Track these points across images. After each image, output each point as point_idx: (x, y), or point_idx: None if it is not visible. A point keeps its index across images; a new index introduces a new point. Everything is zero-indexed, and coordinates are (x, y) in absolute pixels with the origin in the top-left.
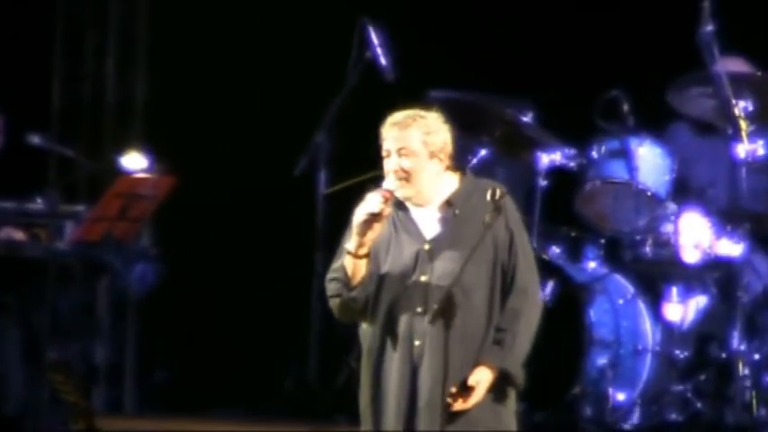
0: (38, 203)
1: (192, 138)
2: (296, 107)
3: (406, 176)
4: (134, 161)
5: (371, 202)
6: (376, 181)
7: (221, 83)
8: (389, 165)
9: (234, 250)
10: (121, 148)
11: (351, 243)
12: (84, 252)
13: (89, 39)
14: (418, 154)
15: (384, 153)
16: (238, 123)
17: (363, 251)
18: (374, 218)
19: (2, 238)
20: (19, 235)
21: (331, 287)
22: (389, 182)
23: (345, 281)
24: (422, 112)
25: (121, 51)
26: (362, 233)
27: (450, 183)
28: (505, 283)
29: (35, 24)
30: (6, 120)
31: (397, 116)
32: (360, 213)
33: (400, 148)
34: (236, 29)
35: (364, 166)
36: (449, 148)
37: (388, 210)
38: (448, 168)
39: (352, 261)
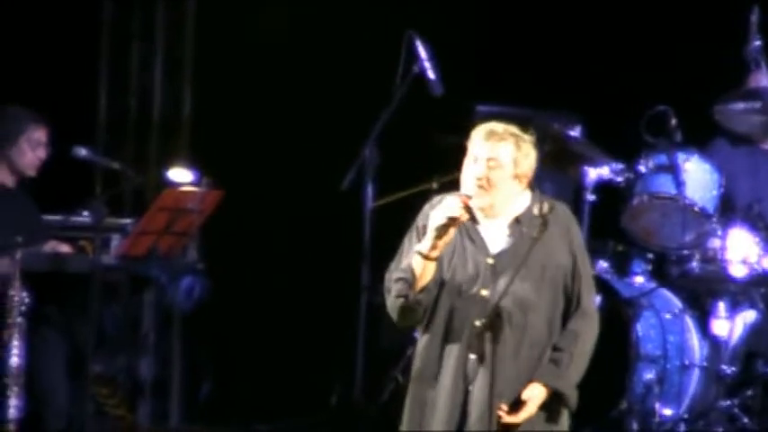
0: (83, 217)
1: (239, 151)
2: (343, 120)
3: (486, 186)
4: (180, 175)
5: (451, 206)
6: (423, 195)
7: (268, 96)
8: (473, 171)
9: (280, 264)
10: (167, 161)
11: (423, 244)
12: (130, 266)
13: (135, 52)
14: (505, 169)
15: (471, 158)
16: (285, 137)
17: (435, 254)
18: (452, 222)
19: (48, 251)
20: (65, 248)
21: (397, 287)
22: (469, 188)
23: (412, 282)
24: (520, 131)
25: (168, 64)
26: (439, 236)
27: (522, 201)
28: (568, 306)
29: (82, 36)
30: (53, 132)
31: (497, 127)
32: (439, 216)
33: (490, 158)
34: (283, 42)
35: (412, 179)
36: (531, 172)
37: (466, 216)
38: (524, 189)
39: (421, 263)
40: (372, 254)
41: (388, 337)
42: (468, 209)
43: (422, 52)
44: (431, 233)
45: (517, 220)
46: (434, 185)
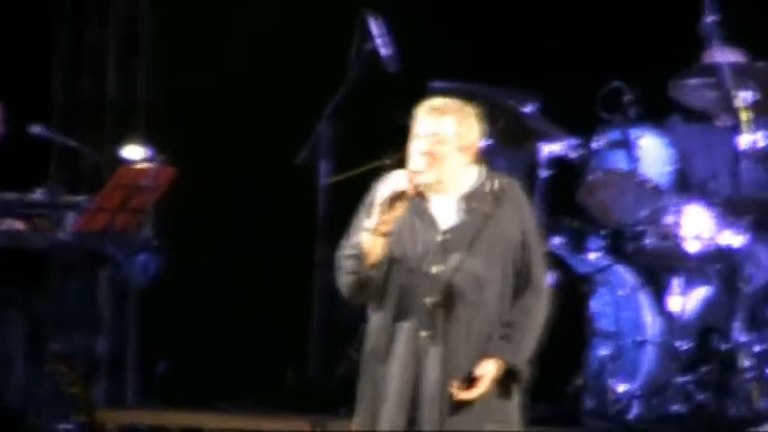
0: (39, 194)
1: (194, 128)
2: (298, 97)
3: (432, 161)
4: (135, 152)
5: (398, 181)
6: (379, 171)
7: (223, 73)
8: (418, 147)
9: (235, 241)
10: (123, 139)
11: (372, 220)
12: (86, 243)
13: (91, 30)
14: (449, 143)
15: (414, 134)
16: (240, 114)
17: (384, 229)
18: (399, 196)
19: (3, 229)
20: (20, 226)
21: (348, 264)
22: (416, 163)
23: (362, 258)
24: (462, 105)
25: (123, 42)
26: (386, 211)
27: (470, 176)
28: (518, 280)
29: (37, 15)
30: (8, 109)
31: (437, 102)
32: (386, 190)
33: (433, 134)
34: (239, 20)
35: (366, 156)
36: (477, 145)
37: (413, 190)
38: (471, 163)
39: (371, 239)
40: (327, 230)
41: (343, 314)
42: (416, 185)
43: (375, 30)
44: (378, 208)
45: (467, 196)
46: (388, 162)
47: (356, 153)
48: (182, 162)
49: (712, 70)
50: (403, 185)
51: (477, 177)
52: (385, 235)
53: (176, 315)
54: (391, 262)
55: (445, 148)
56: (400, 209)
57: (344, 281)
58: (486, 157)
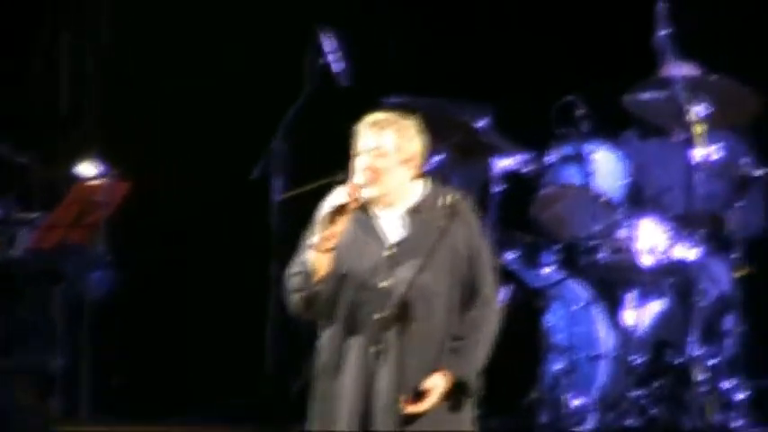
0: None
1: (149, 144)
2: (252, 113)
3: (374, 176)
4: (88, 168)
5: (338, 195)
6: (332, 187)
7: (177, 89)
8: (360, 162)
9: (190, 256)
10: (76, 155)
11: (316, 236)
12: (40, 259)
13: (43, 44)
14: (391, 156)
15: (356, 150)
16: (194, 129)
17: (328, 245)
18: (341, 210)
19: None
20: None
21: (294, 281)
22: (358, 177)
23: (309, 275)
24: (400, 118)
25: (76, 56)
26: (328, 225)
27: (415, 190)
28: (466, 293)
29: None
30: None
31: (376, 116)
32: (327, 205)
33: (374, 148)
34: (193, 34)
35: (320, 171)
36: (421, 157)
37: (355, 204)
38: (415, 176)
39: (316, 255)
40: (281, 245)
41: (298, 329)
42: (358, 198)
43: (327, 45)
44: (321, 224)
45: (414, 210)
46: (341, 177)
47: (310, 169)
48: (136, 177)
49: (666, 84)
50: (343, 199)
51: (423, 191)
52: (329, 251)
53: (131, 330)
54: (340, 277)
55: (387, 161)
56: (342, 223)
57: (292, 298)
58: (440, 172)
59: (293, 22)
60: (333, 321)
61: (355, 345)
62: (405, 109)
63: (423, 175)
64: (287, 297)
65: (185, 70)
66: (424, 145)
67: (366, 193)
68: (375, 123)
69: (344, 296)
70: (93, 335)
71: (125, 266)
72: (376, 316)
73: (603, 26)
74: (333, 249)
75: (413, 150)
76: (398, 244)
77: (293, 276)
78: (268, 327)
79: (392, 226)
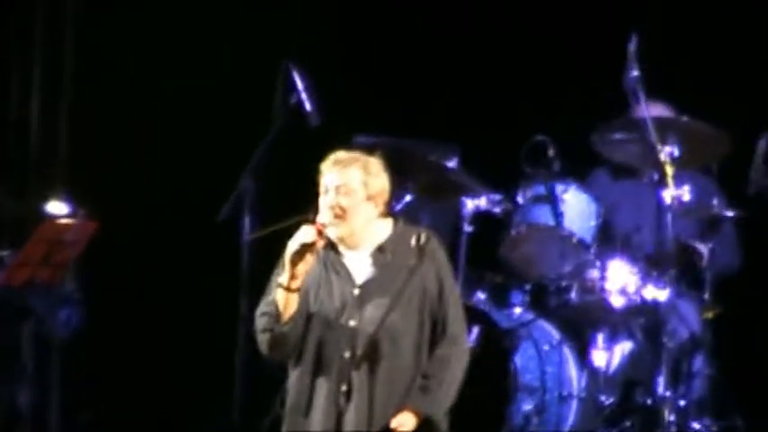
0: None
1: (117, 183)
2: (220, 152)
3: (341, 214)
4: (57, 207)
5: (304, 233)
6: (301, 226)
7: (146, 129)
8: (326, 201)
9: (159, 296)
10: (45, 193)
11: (283, 276)
12: (8, 297)
13: (14, 84)
14: (356, 194)
15: (322, 189)
16: (163, 168)
17: (295, 284)
18: (306, 249)
19: None
20: None
21: (262, 322)
22: (324, 216)
23: (276, 315)
24: (364, 156)
25: (45, 98)
26: (294, 264)
27: (382, 228)
28: (434, 331)
29: None
30: None
31: (340, 155)
32: (292, 244)
33: (339, 186)
34: (160, 74)
35: (290, 211)
36: (386, 194)
37: (322, 242)
38: (382, 214)
39: (283, 295)
40: (250, 285)
41: (267, 368)
42: (323, 236)
43: (299, 83)
44: (287, 263)
45: (380, 249)
46: (311, 217)
47: (280, 208)
48: (104, 216)
49: (636, 125)
50: (309, 238)
51: (391, 229)
52: (296, 290)
53: (99, 367)
54: (308, 317)
55: (352, 199)
56: (308, 263)
57: (260, 338)
58: (409, 212)
59: (263, 57)
60: (301, 360)
61: (324, 383)
62: (374, 148)
63: (390, 213)
64: (256, 337)
65: (153, 109)
66: (389, 182)
67: (332, 232)
68: (339, 161)
69: (313, 335)
70: (62, 371)
71: (93, 304)
72: (344, 355)
73: (573, 66)
74: (299, 289)
75: (378, 187)
76: (366, 283)
77: (261, 317)
78: (237, 365)
79: (360, 265)
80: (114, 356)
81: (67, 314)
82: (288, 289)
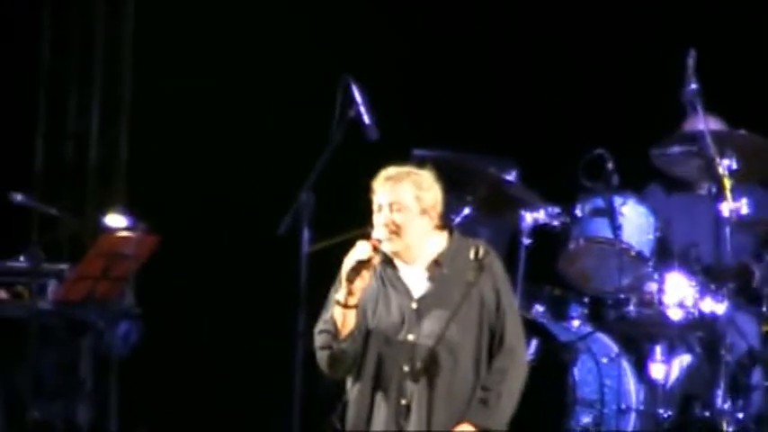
0: (20, 262)
1: (176, 197)
2: (280, 165)
3: (396, 230)
4: (116, 220)
5: (360, 250)
6: (360, 239)
7: (205, 142)
8: (380, 218)
9: (217, 310)
10: (104, 207)
11: (340, 293)
12: (67, 311)
13: (73, 97)
14: (410, 209)
15: (375, 207)
16: (221, 182)
17: (353, 301)
18: (363, 265)
19: None
20: (1, 294)
21: (320, 339)
22: (379, 232)
23: (335, 332)
24: (415, 170)
25: (105, 110)
26: (351, 281)
27: (438, 241)
28: (493, 343)
29: (20, 81)
30: None
31: (391, 171)
32: (348, 261)
33: (392, 203)
34: (219, 87)
35: (348, 224)
36: (439, 206)
37: (377, 258)
38: (437, 227)
39: (341, 311)
40: (309, 300)
41: (325, 384)
42: (380, 252)
43: (358, 96)
44: (343, 279)
45: (436, 262)
46: (369, 230)
47: (338, 222)
48: (164, 230)
49: (694, 138)
50: (365, 255)
51: (448, 242)
52: (354, 306)
53: (158, 385)
54: (367, 332)
55: (406, 215)
56: (365, 279)
57: (320, 356)
58: (468, 226)
59: (322, 71)
60: (361, 376)
61: (384, 398)
62: (432, 163)
63: (446, 225)
64: (316, 354)
65: (214, 122)
66: (441, 194)
67: (388, 247)
68: (390, 178)
69: (372, 350)
70: (120, 388)
71: (152, 319)
72: (404, 369)
73: (631, 79)
74: (357, 305)
75: (431, 200)
76: (424, 297)
77: (319, 334)
78: (295, 381)
79: (417, 279)
80: (172, 373)
81: (126, 329)
82: (345, 306)
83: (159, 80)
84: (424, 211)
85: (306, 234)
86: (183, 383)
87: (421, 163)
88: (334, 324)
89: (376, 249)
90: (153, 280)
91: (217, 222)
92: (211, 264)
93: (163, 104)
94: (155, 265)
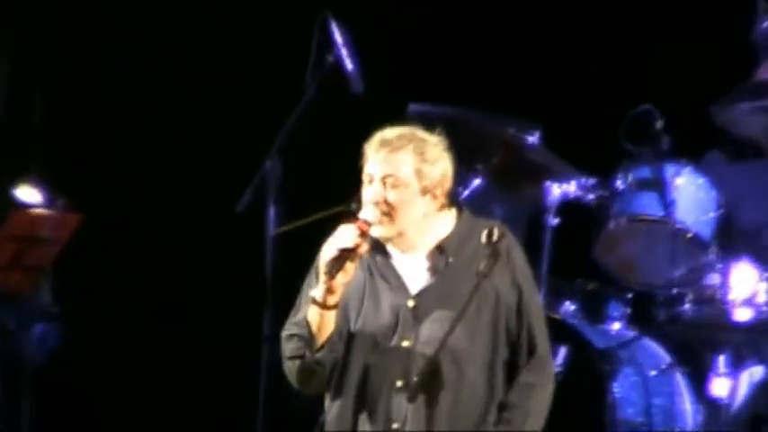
0: None
1: (104, 165)
2: (239, 125)
3: (388, 211)
4: (29, 194)
5: (344, 235)
6: (341, 218)
7: (143, 97)
8: (370, 194)
9: (156, 308)
10: (12, 174)
11: (317, 289)
12: None
13: None
14: (408, 186)
15: (365, 178)
16: (165, 146)
17: (333, 300)
18: (347, 255)
19: None
20: None
21: (289, 347)
22: (368, 212)
23: (309, 338)
24: (421, 134)
25: (15, 63)
26: (332, 274)
27: (443, 224)
28: (514, 352)
29: None
30: None
31: (389, 133)
32: (329, 249)
33: (386, 176)
34: (164, 27)
35: (326, 199)
36: (448, 183)
37: (365, 246)
38: (442, 207)
39: (318, 313)
40: (276, 293)
41: (297, 401)
42: (368, 238)
43: (338, 38)
44: (323, 273)
45: (440, 249)
46: (353, 206)
47: (312, 196)
48: (90, 207)
49: (766, 91)
50: (349, 241)
51: (455, 225)
52: (333, 307)
53: (79, 397)
54: (350, 337)
55: (404, 192)
56: (348, 272)
57: (289, 367)
58: (478, 201)
59: (294, 10)
60: (342, 391)
61: (370, 420)
62: (429, 121)
63: (453, 204)
64: (283, 364)
65: (156, 73)
66: (451, 168)
67: (378, 232)
68: (386, 143)
69: (356, 360)
70: (36, 399)
71: (75, 318)
72: (396, 384)
73: (685, 18)
74: (338, 305)
75: (437, 176)
76: (423, 293)
77: (288, 340)
78: (260, 395)
79: (415, 270)
80: (100, 384)
81: (42, 331)
82: (324, 306)
83: (87, 16)
84: (426, 190)
85: (271, 212)
86: (116, 400)
87: (421, 123)
88: (309, 328)
89: (364, 235)
90: (75, 270)
91: (159, 197)
92: (150, 250)
93: (90, 47)
94: (77, 252)
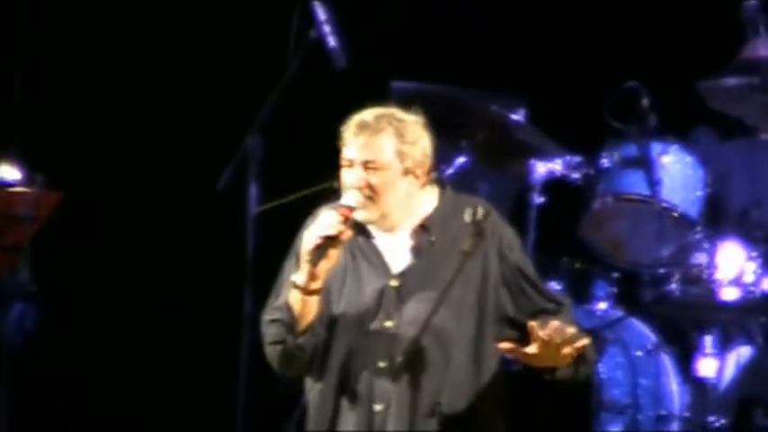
0: None
1: (86, 141)
2: (219, 102)
3: (370, 194)
4: (6, 171)
5: (327, 222)
6: (326, 196)
7: (123, 73)
8: (350, 178)
9: (137, 289)
10: None
11: (299, 275)
12: None
13: None
14: (390, 168)
15: (344, 162)
16: (145, 124)
17: (315, 285)
18: (330, 242)
19: None
20: None
21: (270, 332)
22: (350, 197)
23: (290, 323)
24: (399, 114)
25: None
26: (315, 262)
27: (426, 201)
28: (511, 324)
29: None
30: None
31: (367, 116)
32: (311, 236)
33: (367, 161)
34: (141, 2)
35: (308, 177)
36: (428, 161)
37: (349, 232)
38: (424, 185)
39: (300, 298)
40: (257, 274)
41: (278, 383)
42: (357, 225)
43: (321, 13)
44: (304, 259)
45: (423, 227)
46: (335, 185)
47: (295, 174)
48: (68, 185)
49: (755, 67)
50: (332, 228)
51: (438, 203)
52: (316, 292)
53: (59, 381)
54: (332, 319)
55: (385, 175)
56: (332, 259)
57: (270, 351)
58: (462, 180)
59: None
60: (324, 374)
61: (353, 403)
62: (411, 99)
63: (436, 181)
64: (264, 348)
65: (136, 48)
66: (431, 146)
67: (361, 216)
68: (365, 126)
69: (338, 343)
70: (13, 384)
71: (54, 300)
72: (379, 365)
73: None
74: (320, 290)
75: (418, 156)
76: (406, 272)
77: (269, 324)
78: (240, 378)
79: (397, 249)
80: (80, 367)
81: (20, 312)
82: (306, 290)
83: None
84: (407, 171)
85: (253, 190)
86: (95, 384)
87: (404, 101)
88: (290, 312)
89: (347, 221)
90: (54, 249)
91: (138, 175)
92: (131, 229)
93: (68, 21)
94: (57, 231)
